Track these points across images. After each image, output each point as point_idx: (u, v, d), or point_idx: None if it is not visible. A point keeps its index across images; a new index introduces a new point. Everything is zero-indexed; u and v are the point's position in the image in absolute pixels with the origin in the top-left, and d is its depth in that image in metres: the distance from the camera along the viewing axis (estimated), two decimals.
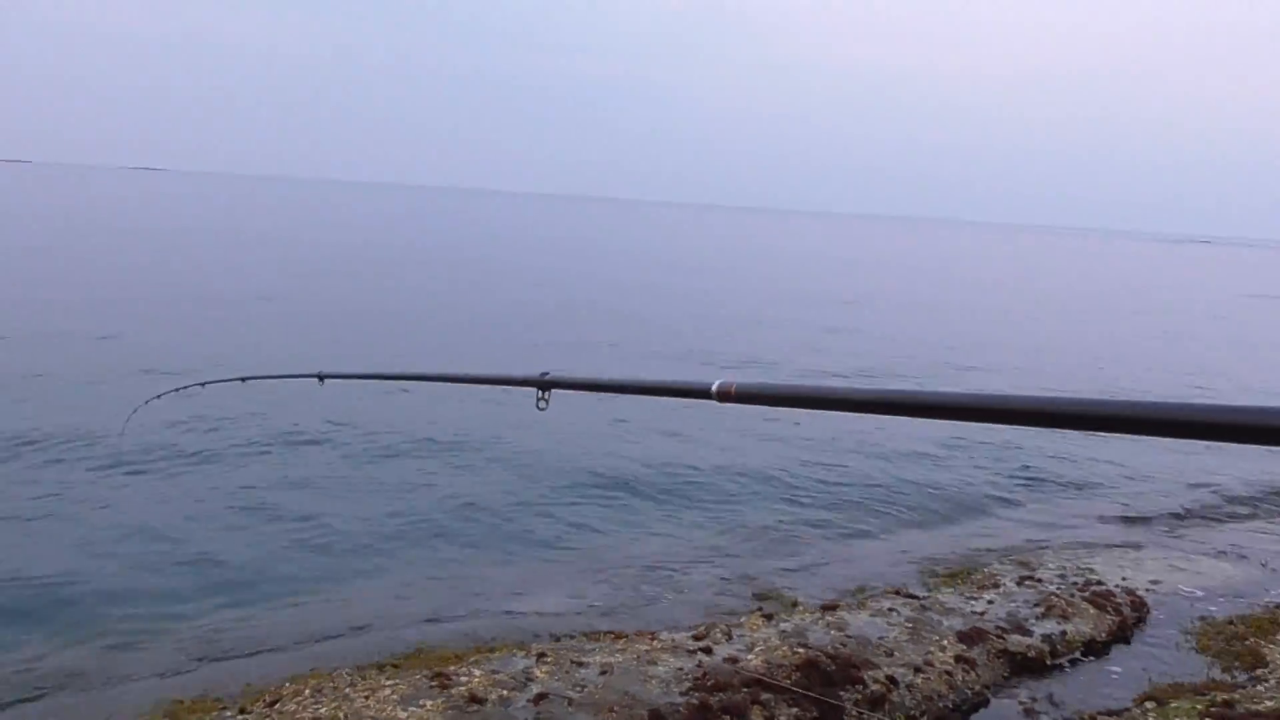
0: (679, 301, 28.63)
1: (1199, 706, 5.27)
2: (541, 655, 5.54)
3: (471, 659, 5.59)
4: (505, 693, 4.98)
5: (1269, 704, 5.30)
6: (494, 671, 5.25)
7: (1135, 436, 1.20)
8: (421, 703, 4.86)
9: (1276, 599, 7.28)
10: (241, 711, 5.01)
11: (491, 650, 5.83)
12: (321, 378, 3.62)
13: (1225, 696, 5.45)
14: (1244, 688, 5.68)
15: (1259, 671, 6.00)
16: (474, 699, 4.87)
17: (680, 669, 5.25)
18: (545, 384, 2.35)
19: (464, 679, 5.14)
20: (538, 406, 2.38)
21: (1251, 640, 6.46)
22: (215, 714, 5.04)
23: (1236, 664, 6.19)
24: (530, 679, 5.15)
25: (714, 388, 1.64)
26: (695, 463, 10.73)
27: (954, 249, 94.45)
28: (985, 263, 69.50)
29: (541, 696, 4.92)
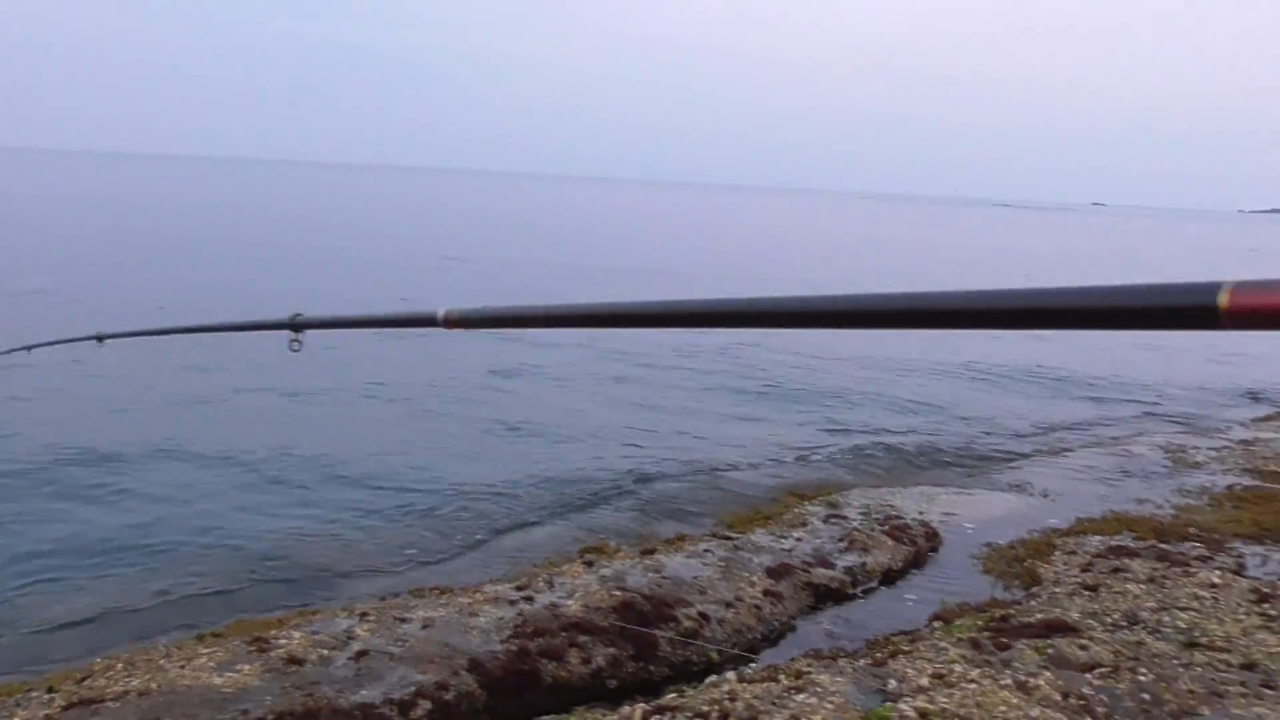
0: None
1: (979, 622, 5.78)
2: (364, 614, 5.56)
3: (293, 623, 5.57)
4: (326, 652, 4.99)
5: (1039, 616, 5.87)
6: (314, 633, 5.25)
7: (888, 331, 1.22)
8: (238, 667, 4.83)
9: (1052, 525, 7.99)
10: (49, 690, 4.84)
11: (314, 613, 5.82)
12: (100, 338, 3.57)
13: (1003, 612, 5.99)
14: (1020, 603, 6.25)
15: (1034, 589, 6.61)
16: (293, 660, 4.87)
17: (501, 618, 5.39)
18: (298, 325, 2.39)
19: (283, 642, 5.13)
20: (291, 349, 2.40)
21: (1029, 562, 7.10)
22: (20, 695, 4.86)
23: (1016, 583, 6.80)
24: (352, 637, 5.18)
25: (440, 315, 1.72)
26: (514, 417, 10.94)
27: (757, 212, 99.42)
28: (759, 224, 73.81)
29: (363, 653, 4.97)
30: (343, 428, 10.48)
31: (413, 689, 4.63)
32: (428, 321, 1.75)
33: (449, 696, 4.64)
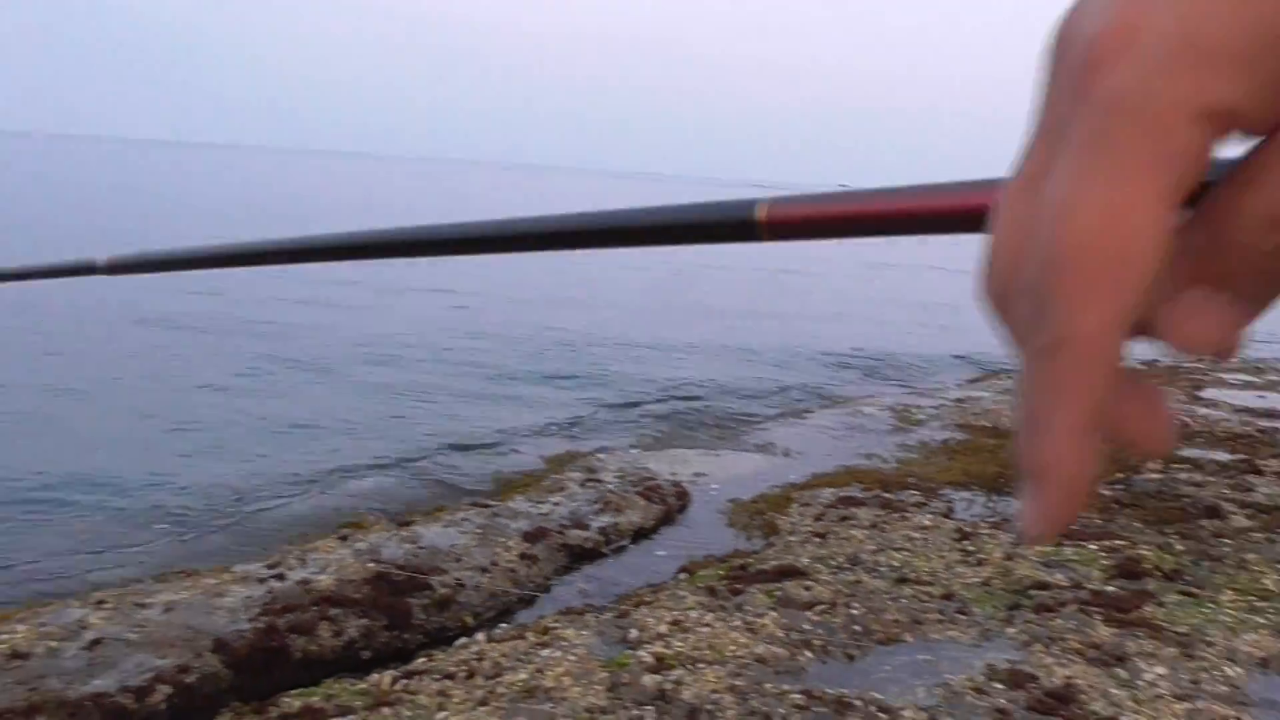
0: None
1: (721, 572, 6.21)
2: (100, 602, 5.32)
3: (18, 618, 5.24)
4: (54, 644, 4.75)
5: (774, 563, 6.36)
6: (42, 625, 4.98)
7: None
8: None
9: (791, 480, 8.60)
10: None
11: (44, 606, 5.50)
12: None
13: (742, 561, 6.45)
14: (758, 552, 6.74)
15: (772, 539, 7.13)
16: (16, 655, 4.61)
17: (250, 597, 5.29)
18: None
19: (6, 637, 4.83)
20: None
21: (769, 515, 7.63)
22: None
23: (757, 534, 7.30)
24: (85, 627, 4.95)
25: (101, 262, 1.65)
26: (262, 404, 10.63)
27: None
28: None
29: (96, 642, 4.76)
30: (63, 420, 9.78)
31: (151, 674, 4.50)
32: (87, 270, 1.67)
33: (191, 679, 4.54)
